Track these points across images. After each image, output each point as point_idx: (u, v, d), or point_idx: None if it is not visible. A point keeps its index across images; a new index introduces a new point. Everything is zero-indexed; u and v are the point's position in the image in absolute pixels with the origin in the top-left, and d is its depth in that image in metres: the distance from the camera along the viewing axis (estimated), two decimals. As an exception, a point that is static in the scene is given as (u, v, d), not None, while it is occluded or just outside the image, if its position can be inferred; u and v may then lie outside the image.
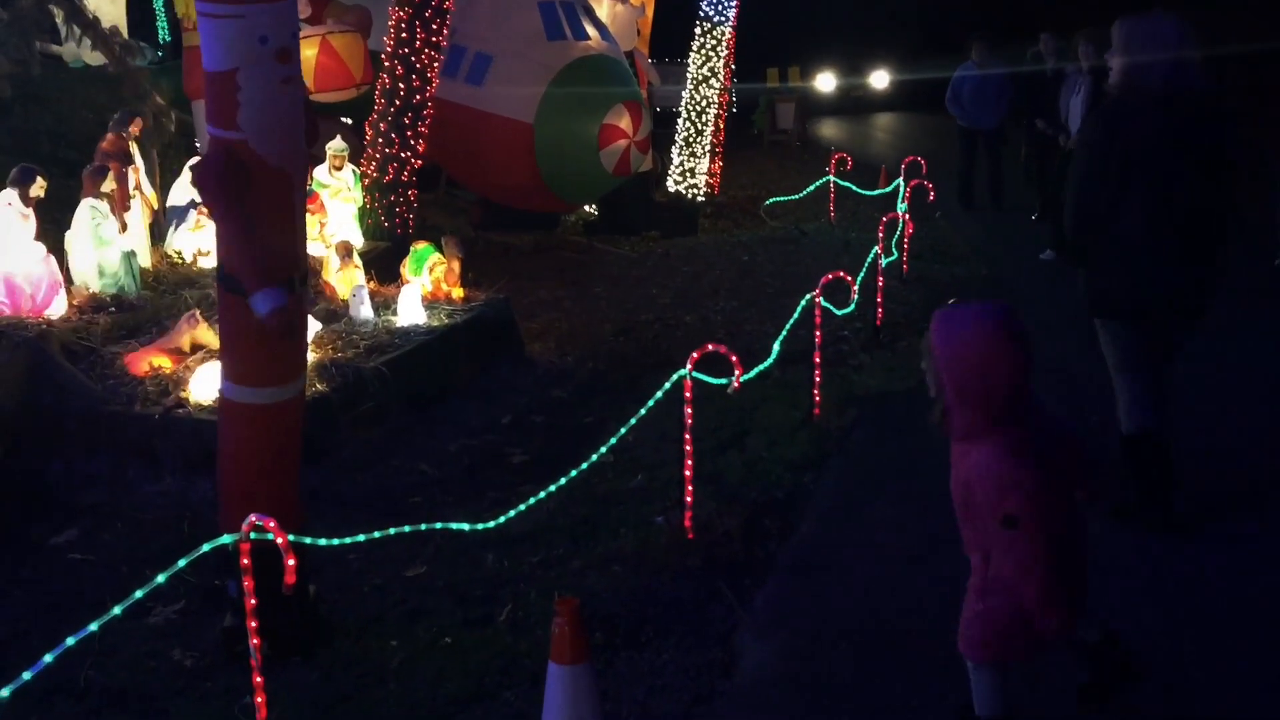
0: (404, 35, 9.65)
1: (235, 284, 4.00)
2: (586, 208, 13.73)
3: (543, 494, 4.95)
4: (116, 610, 3.26)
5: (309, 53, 10.78)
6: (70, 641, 3.10)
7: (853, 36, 26.78)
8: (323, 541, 3.96)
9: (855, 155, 15.50)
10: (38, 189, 7.34)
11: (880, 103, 27.48)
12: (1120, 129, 4.52)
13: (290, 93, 3.88)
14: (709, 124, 14.82)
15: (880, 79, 27.55)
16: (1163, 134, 4.47)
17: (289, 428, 4.28)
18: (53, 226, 7.86)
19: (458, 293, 8.26)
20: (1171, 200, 4.49)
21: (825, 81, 27.57)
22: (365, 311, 7.61)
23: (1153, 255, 4.49)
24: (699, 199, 14.73)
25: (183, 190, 9.08)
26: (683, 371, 5.07)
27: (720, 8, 14.63)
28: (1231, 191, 4.67)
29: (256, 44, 3.72)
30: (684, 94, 14.86)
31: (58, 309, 7.20)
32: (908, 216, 10.11)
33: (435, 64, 9.88)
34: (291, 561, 3.49)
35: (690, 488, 5.06)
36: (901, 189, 11.94)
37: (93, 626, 3.18)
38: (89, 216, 7.62)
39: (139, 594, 3.32)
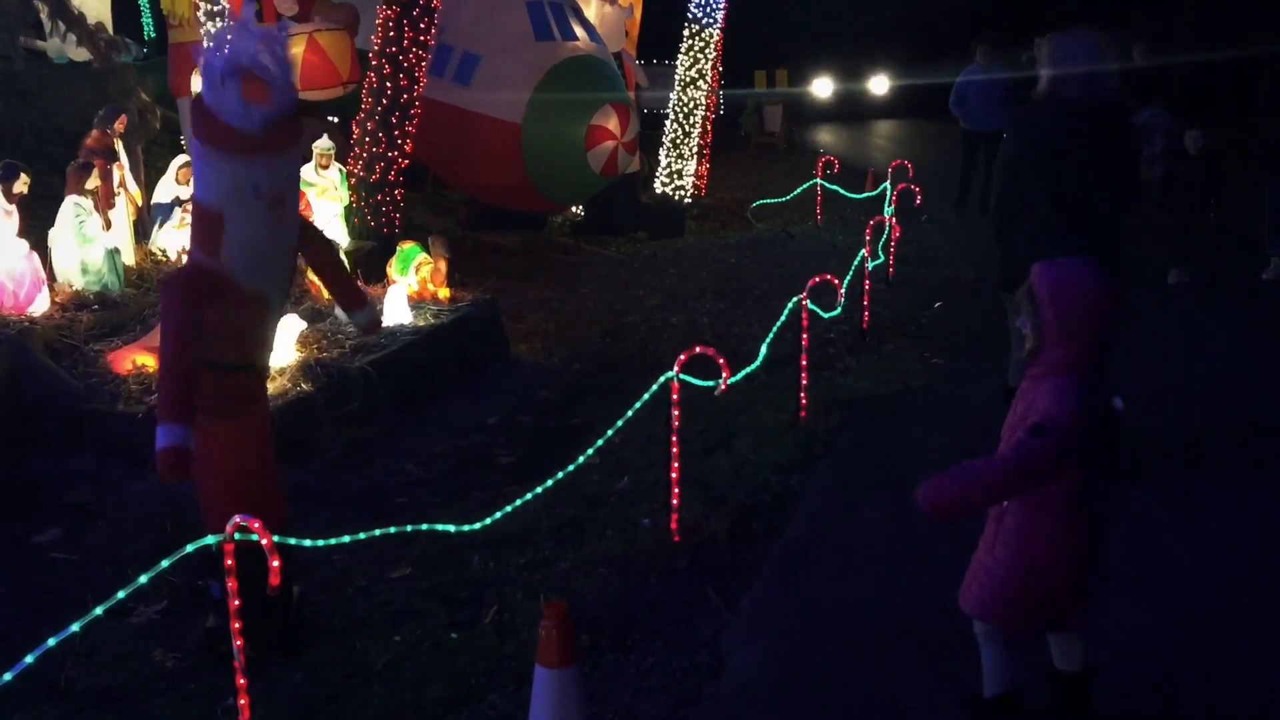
0: (392, 34, 9.62)
1: (211, 363, 4.00)
2: (573, 208, 13.71)
3: (529, 495, 4.93)
4: (98, 611, 3.22)
5: (296, 50, 10.73)
6: (51, 642, 3.07)
7: (851, 40, 26.14)
8: (308, 542, 3.93)
9: (853, 164, 15.57)
10: (21, 185, 7.29)
11: (880, 109, 26.72)
12: (1038, 132, 5.03)
13: (280, 225, 3.88)
14: (696, 126, 14.84)
15: (880, 84, 26.77)
16: (1075, 138, 4.94)
17: (259, 434, 4.27)
18: (36, 223, 7.82)
19: (444, 293, 8.24)
20: (1076, 196, 4.94)
21: (822, 86, 26.84)
22: (351, 311, 7.56)
23: (1054, 242, 4.80)
24: (686, 200, 14.75)
25: (167, 187, 9.04)
26: (670, 373, 5.06)
27: (708, 9, 14.65)
28: (1131, 193, 5.29)
29: (248, 193, 3.72)
30: (672, 95, 14.87)
31: (40, 306, 7.15)
32: (894, 220, 10.12)
33: (423, 63, 9.85)
34: (276, 563, 3.47)
35: (677, 490, 5.04)
36: (889, 192, 11.98)
37: (74, 627, 3.15)
38: (73, 213, 7.58)
39: (121, 594, 3.29)
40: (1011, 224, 5.17)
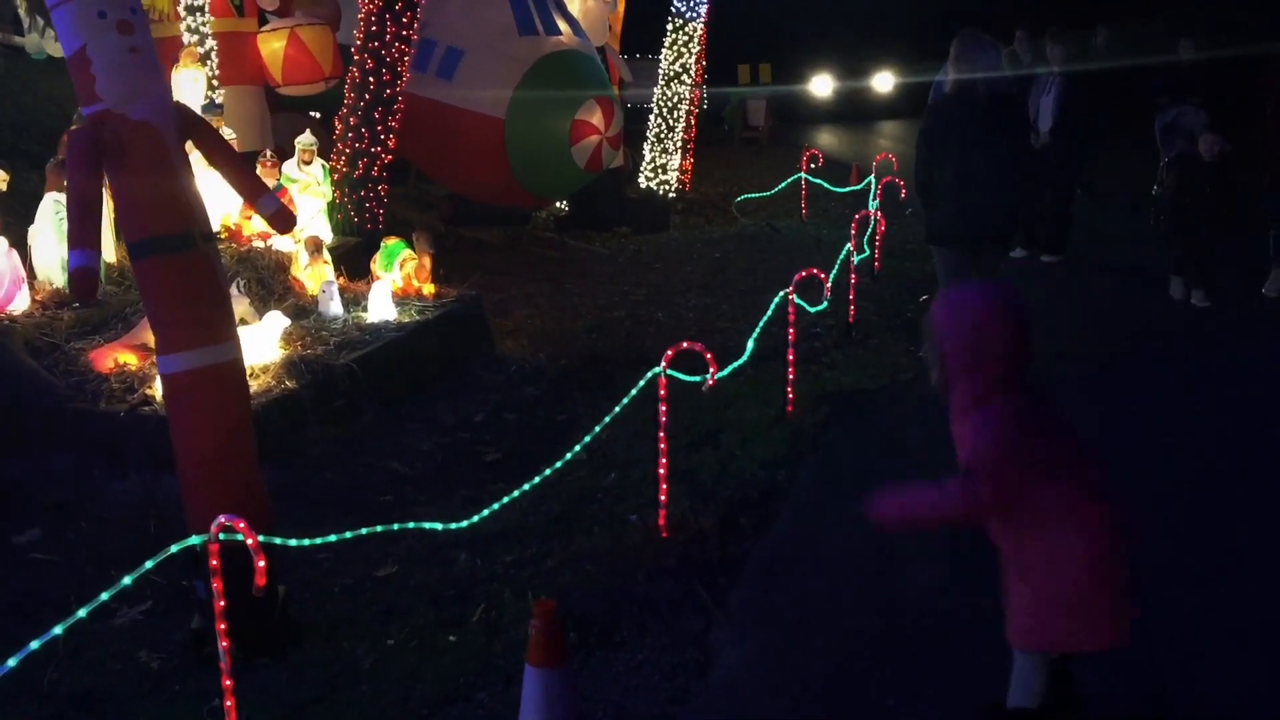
0: (374, 28, 9.55)
1: (139, 248, 4.17)
2: (558, 204, 13.67)
3: (516, 493, 4.92)
4: (81, 613, 3.19)
5: (277, 45, 10.68)
6: (34, 645, 3.04)
7: (852, 35, 24.33)
8: (293, 542, 3.90)
9: (838, 158, 15.44)
10: None
11: (885, 108, 24.42)
12: (945, 115, 6.55)
13: (141, 61, 4.14)
14: (681, 120, 14.81)
15: (884, 81, 24.46)
16: (972, 119, 6.34)
17: (235, 396, 4.28)
18: (15, 221, 7.73)
19: (429, 289, 8.20)
20: (974, 163, 6.32)
21: (821, 84, 24.66)
22: (335, 308, 7.53)
23: (959, 201, 6.37)
24: (671, 195, 14.72)
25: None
26: (657, 369, 5.05)
27: (692, 4, 14.62)
28: (1021, 161, 6.94)
29: (96, 19, 4.03)
30: (656, 90, 14.83)
31: (20, 305, 7.08)
32: (879, 214, 10.12)
33: (405, 58, 9.78)
34: (262, 563, 3.44)
35: (664, 486, 5.03)
36: (873, 186, 11.98)
37: (56, 630, 3.12)
38: (53, 211, 7.50)
39: (104, 596, 3.26)
40: (931, 190, 6.57)
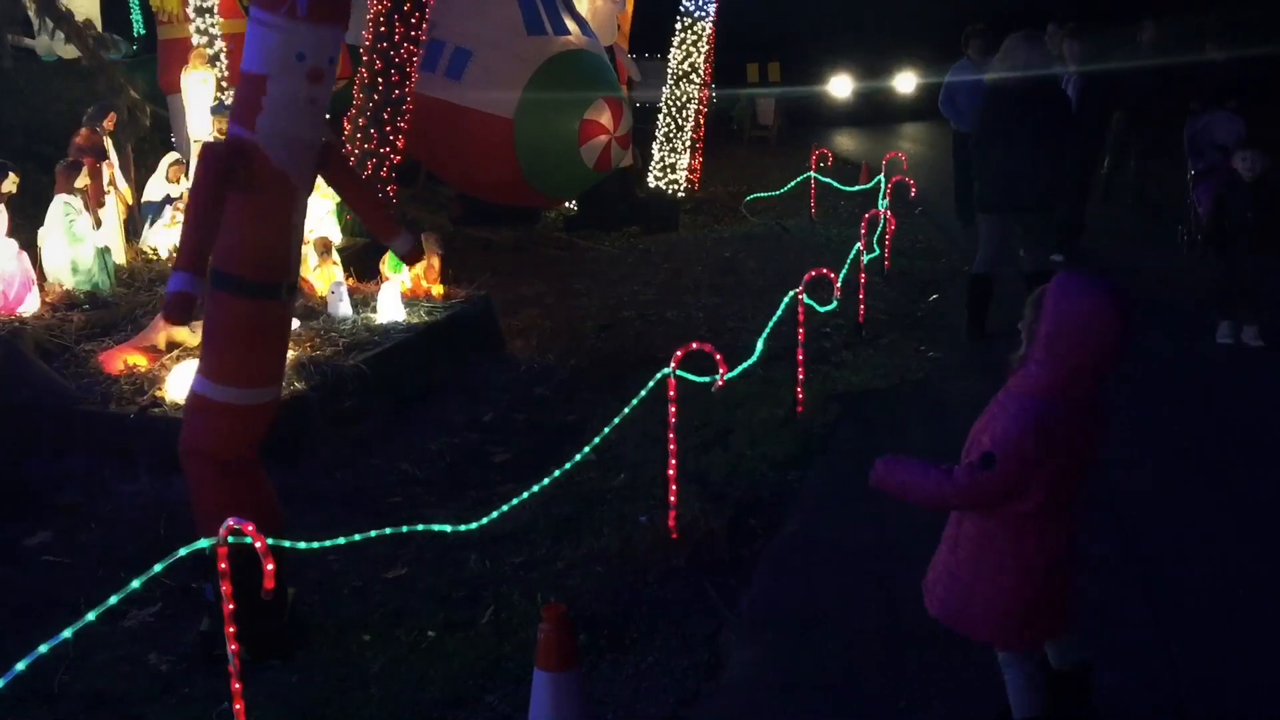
0: (382, 29, 9.56)
1: (228, 282, 4.05)
2: (567, 203, 13.66)
3: (525, 494, 4.90)
4: (90, 616, 3.19)
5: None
6: (43, 649, 3.04)
7: (873, 33, 23.35)
8: (302, 545, 3.89)
9: (847, 156, 15.26)
10: (10, 184, 7.23)
11: (907, 110, 23.22)
12: (995, 102, 7.68)
13: (313, 113, 4.06)
14: (689, 120, 14.79)
15: (907, 82, 23.21)
16: (1017, 104, 7.42)
17: (260, 429, 4.25)
18: (26, 223, 7.76)
19: (438, 289, 8.19)
20: (1020, 143, 7.38)
21: (840, 85, 23.63)
22: (344, 309, 7.53)
23: (1004, 175, 7.52)
24: (680, 195, 14.69)
25: (157, 185, 8.97)
26: (666, 370, 5.03)
27: (700, 3, 14.59)
28: (1065, 142, 7.59)
29: (293, 58, 3.90)
30: (664, 90, 14.81)
31: (31, 306, 7.09)
32: (889, 213, 10.09)
33: (414, 58, 9.79)
34: (270, 566, 3.43)
35: (674, 487, 5.02)
36: (883, 185, 11.92)
37: (66, 633, 3.11)
38: (63, 212, 7.52)
39: (114, 599, 3.25)
40: (982, 166, 7.72)
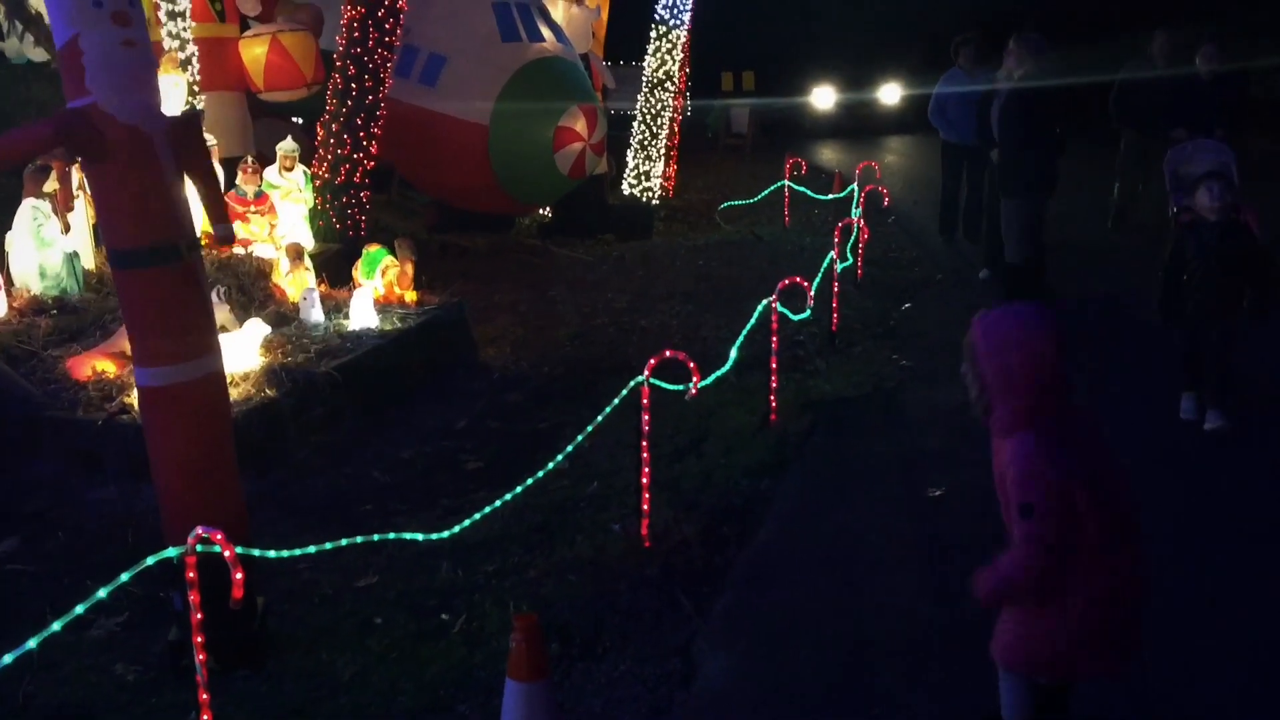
0: (356, 34, 9.53)
1: (123, 258, 4.02)
2: (541, 210, 13.65)
3: (498, 502, 4.88)
4: (56, 625, 3.15)
5: (259, 50, 10.63)
6: (8, 659, 3.00)
7: (856, 44, 23.04)
8: (272, 553, 3.86)
9: (821, 165, 15.29)
10: (51, 183, 7.12)
11: (892, 122, 22.96)
12: (1028, 99, 8.31)
13: (135, 55, 3.96)
14: (664, 127, 14.82)
15: (891, 93, 23.09)
16: (1040, 101, 8.21)
17: (215, 409, 4.19)
18: (-8, 227, 7.67)
19: (411, 296, 8.16)
20: (1048, 133, 8.29)
21: (822, 96, 23.35)
22: (316, 315, 7.49)
23: (1032, 161, 8.32)
24: (654, 202, 14.73)
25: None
26: (639, 378, 5.02)
27: (675, 11, 14.64)
28: (1053, 135, 8.32)
29: (90, 7, 3.84)
30: (639, 97, 14.84)
31: (-3, 311, 7.01)
32: (863, 222, 10.13)
33: (388, 64, 9.76)
34: (239, 575, 3.40)
35: (647, 495, 5.01)
36: (856, 194, 11.99)
37: (31, 643, 3.07)
38: (30, 217, 7.44)
39: (79, 609, 3.21)
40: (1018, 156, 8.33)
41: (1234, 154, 7.90)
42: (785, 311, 6.96)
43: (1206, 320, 5.86)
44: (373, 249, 8.39)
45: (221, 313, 6.81)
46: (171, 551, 3.43)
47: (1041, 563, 2.94)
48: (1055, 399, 3.03)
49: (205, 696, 3.44)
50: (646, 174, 14.73)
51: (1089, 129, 10.53)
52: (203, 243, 8.35)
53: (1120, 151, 10.83)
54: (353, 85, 9.53)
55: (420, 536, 4.57)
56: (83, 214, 8.30)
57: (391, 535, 4.44)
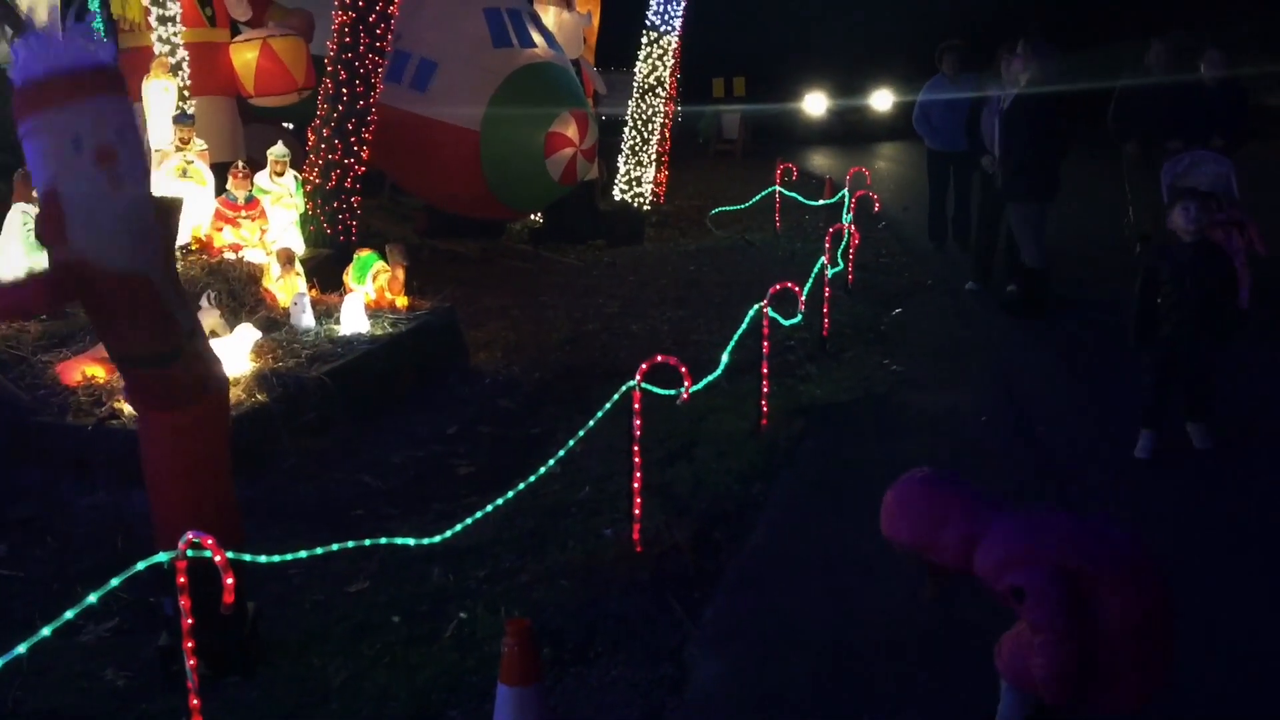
0: (347, 40, 9.52)
1: (125, 360, 3.96)
2: (532, 216, 13.66)
3: (489, 507, 4.87)
4: (45, 631, 3.14)
5: (249, 56, 10.63)
6: (-3, 664, 2.99)
7: (849, 51, 23.03)
8: (263, 558, 3.85)
9: (811, 170, 15.31)
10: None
11: (884, 129, 22.75)
12: (1035, 103, 8.40)
13: (126, 194, 3.61)
14: (655, 133, 14.84)
15: (883, 100, 23.01)
16: (1047, 105, 8.38)
17: (214, 430, 4.17)
18: (-18, 232, 7.63)
19: (402, 301, 8.15)
20: (1054, 137, 8.43)
21: (814, 103, 23.31)
22: (307, 320, 7.48)
23: (1036, 165, 8.44)
24: (645, 208, 14.75)
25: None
26: (631, 383, 5.03)
27: (666, 17, 14.66)
28: (1060, 140, 8.47)
29: (70, 149, 3.47)
30: (630, 103, 14.86)
31: (-14, 316, 6.98)
32: (853, 227, 10.16)
33: (379, 69, 9.76)
34: (230, 580, 3.39)
35: (639, 500, 5.01)
36: (846, 200, 12.02)
37: (21, 649, 3.06)
38: (21, 221, 7.42)
39: (69, 614, 3.20)
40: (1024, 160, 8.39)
41: (1233, 164, 7.85)
42: (776, 317, 6.97)
43: (1181, 345, 5.59)
44: (364, 254, 8.39)
45: (212, 317, 6.80)
46: (162, 556, 3.42)
47: (1067, 635, 2.91)
48: (984, 507, 3.12)
49: (196, 702, 3.42)
50: (638, 180, 14.75)
51: (1095, 133, 10.37)
52: (193, 247, 8.40)
53: (1125, 170, 9.84)
54: (344, 90, 9.52)
55: (412, 541, 4.56)
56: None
57: (383, 540, 4.43)
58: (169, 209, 4.04)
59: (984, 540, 3.04)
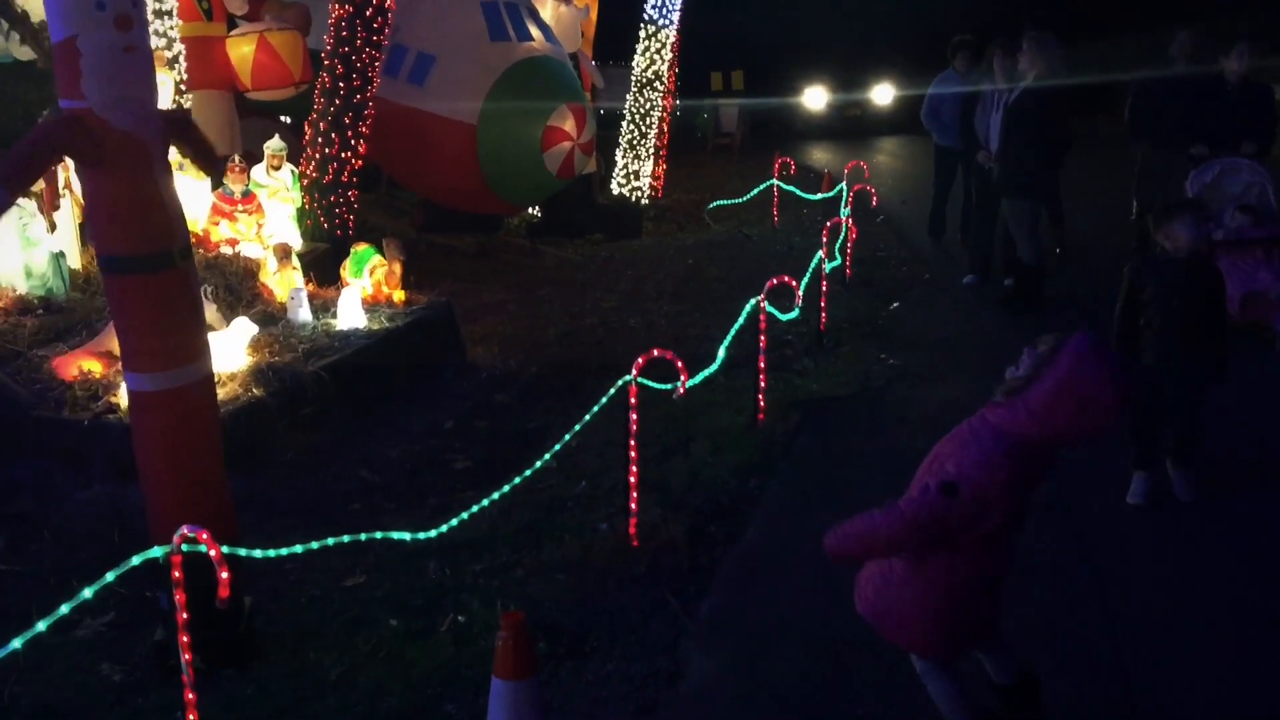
0: (344, 33, 9.50)
1: (115, 264, 3.98)
2: (530, 210, 13.65)
3: (486, 501, 4.88)
4: (41, 626, 3.14)
5: (246, 50, 10.61)
6: (-8, 659, 2.99)
7: (849, 44, 22.92)
8: (258, 553, 3.85)
9: (810, 165, 15.29)
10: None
11: (884, 124, 22.79)
12: (1040, 98, 8.26)
13: (135, 61, 3.87)
14: (653, 127, 14.83)
15: (884, 94, 22.94)
16: (1050, 100, 8.24)
17: (204, 414, 4.18)
18: (-22, 226, 7.62)
19: (399, 295, 8.15)
20: (1056, 133, 8.35)
21: (814, 97, 23.27)
22: (304, 314, 7.47)
23: (1033, 160, 8.41)
24: (643, 202, 14.73)
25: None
26: (627, 377, 5.03)
27: (664, 10, 14.64)
28: (1062, 133, 8.41)
29: (93, 9, 3.72)
30: (628, 97, 14.84)
31: (-17, 311, 6.98)
32: (851, 221, 10.15)
33: (376, 63, 9.74)
34: (225, 575, 3.39)
35: (635, 494, 5.02)
36: (844, 194, 12.01)
37: (16, 643, 3.06)
38: (16, 216, 7.40)
39: (65, 609, 3.20)
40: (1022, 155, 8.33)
41: (1268, 173, 7.15)
42: (773, 311, 6.97)
43: (1166, 377, 5.01)
44: (360, 248, 8.38)
45: (208, 312, 6.79)
46: (157, 551, 3.42)
47: (926, 534, 3.03)
48: (1062, 446, 3.06)
49: (191, 696, 3.43)
50: (635, 174, 14.73)
51: (1097, 128, 10.23)
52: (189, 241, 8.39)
53: (1136, 169, 9.12)
54: (340, 84, 9.50)
55: (408, 536, 4.57)
56: (68, 213, 8.27)
57: (379, 535, 4.43)
58: (182, 119, 4.27)
59: (1007, 438, 3.05)
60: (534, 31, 11.84)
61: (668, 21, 14.69)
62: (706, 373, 6.22)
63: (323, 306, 7.71)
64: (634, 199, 14.66)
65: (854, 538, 3.14)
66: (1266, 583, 4.51)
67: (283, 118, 11.98)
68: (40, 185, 7.59)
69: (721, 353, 6.52)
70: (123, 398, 5.98)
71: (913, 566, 3.18)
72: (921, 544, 3.07)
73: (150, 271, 3.96)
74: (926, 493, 3.03)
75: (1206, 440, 5.26)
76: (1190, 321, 4.93)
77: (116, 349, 6.48)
